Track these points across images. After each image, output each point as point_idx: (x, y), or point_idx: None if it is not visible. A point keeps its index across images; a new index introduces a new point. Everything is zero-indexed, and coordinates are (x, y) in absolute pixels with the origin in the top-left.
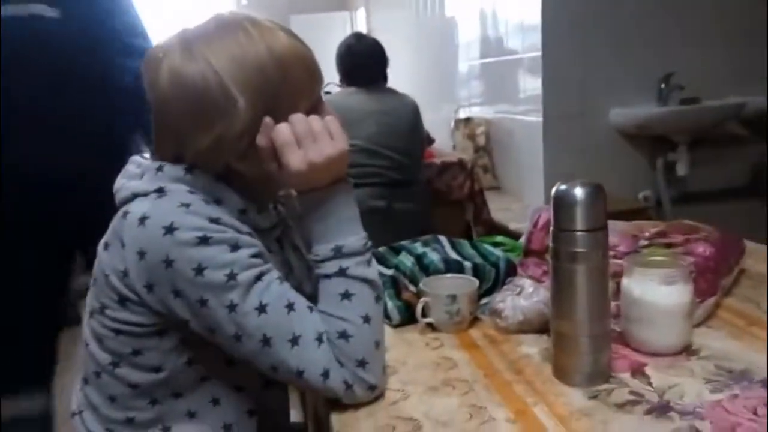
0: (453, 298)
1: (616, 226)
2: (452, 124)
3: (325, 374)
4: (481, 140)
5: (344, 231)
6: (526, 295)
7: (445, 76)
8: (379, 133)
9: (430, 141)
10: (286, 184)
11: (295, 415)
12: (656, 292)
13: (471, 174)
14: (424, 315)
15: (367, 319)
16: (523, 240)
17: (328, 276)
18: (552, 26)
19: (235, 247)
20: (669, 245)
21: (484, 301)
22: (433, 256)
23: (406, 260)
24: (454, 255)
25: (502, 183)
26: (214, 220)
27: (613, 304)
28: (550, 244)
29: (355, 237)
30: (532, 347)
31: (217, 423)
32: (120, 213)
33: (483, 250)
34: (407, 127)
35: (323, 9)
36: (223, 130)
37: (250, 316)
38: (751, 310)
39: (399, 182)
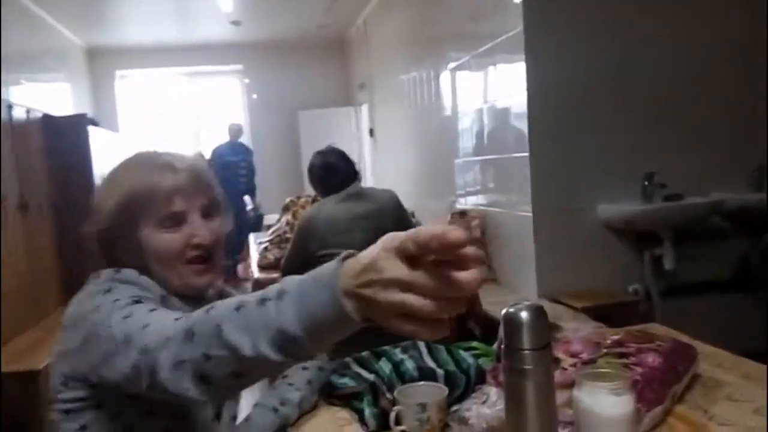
0: (423, 406)
1: (580, 334)
2: (449, 216)
3: None
4: (477, 232)
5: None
6: (490, 404)
7: (442, 170)
8: (367, 239)
9: None
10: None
11: None
12: (603, 402)
13: None
14: (397, 423)
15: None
16: (495, 346)
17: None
18: (537, 127)
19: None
20: (623, 355)
21: (454, 408)
22: (409, 364)
23: (385, 367)
24: (429, 362)
25: (498, 275)
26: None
27: (570, 412)
28: (503, 360)
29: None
30: None
31: None
32: None
33: (457, 356)
34: (392, 225)
35: (329, 105)
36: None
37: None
38: (697, 417)
39: None
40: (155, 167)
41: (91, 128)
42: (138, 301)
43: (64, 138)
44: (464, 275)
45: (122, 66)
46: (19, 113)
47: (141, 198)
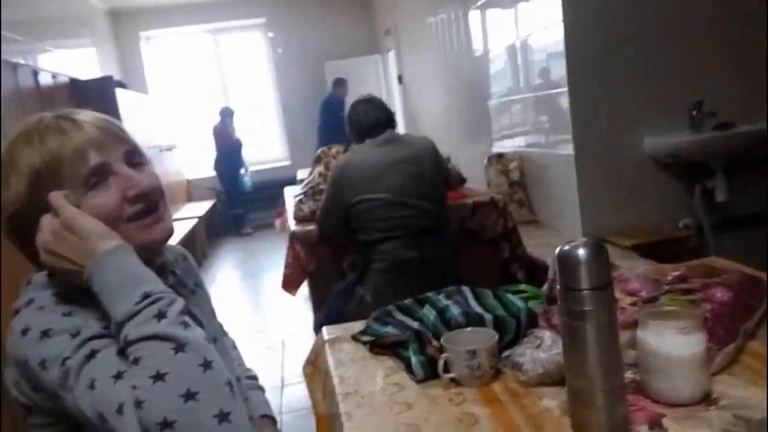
0: (473, 353)
1: (637, 272)
2: (485, 160)
3: None
4: (515, 175)
5: (115, 301)
6: (545, 348)
7: (476, 113)
8: (404, 183)
9: (462, 180)
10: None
11: None
12: (670, 342)
13: (504, 212)
14: (446, 370)
15: (159, 377)
16: (545, 288)
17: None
18: (577, 60)
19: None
20: (687, 291)
21: (505, 353)
22: (455, 310)
23: (429, 314)
24: (476, 307)
25: (539, 217)
26: (67, 314)
27: (633, 353)
28: (559, 302)
29: (124, 302)
30: (553, 400)
31: None
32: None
33: (505, 300)
34: (429, 170)
35: (355, 54)
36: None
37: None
38: None
39: (429, 230)
40: (54, 130)
41: (118, 90)
42: (74, 335)
43: (91, 101)
44: None
45: (145, 27)
46: (45, 78)
47: (50, 169)
